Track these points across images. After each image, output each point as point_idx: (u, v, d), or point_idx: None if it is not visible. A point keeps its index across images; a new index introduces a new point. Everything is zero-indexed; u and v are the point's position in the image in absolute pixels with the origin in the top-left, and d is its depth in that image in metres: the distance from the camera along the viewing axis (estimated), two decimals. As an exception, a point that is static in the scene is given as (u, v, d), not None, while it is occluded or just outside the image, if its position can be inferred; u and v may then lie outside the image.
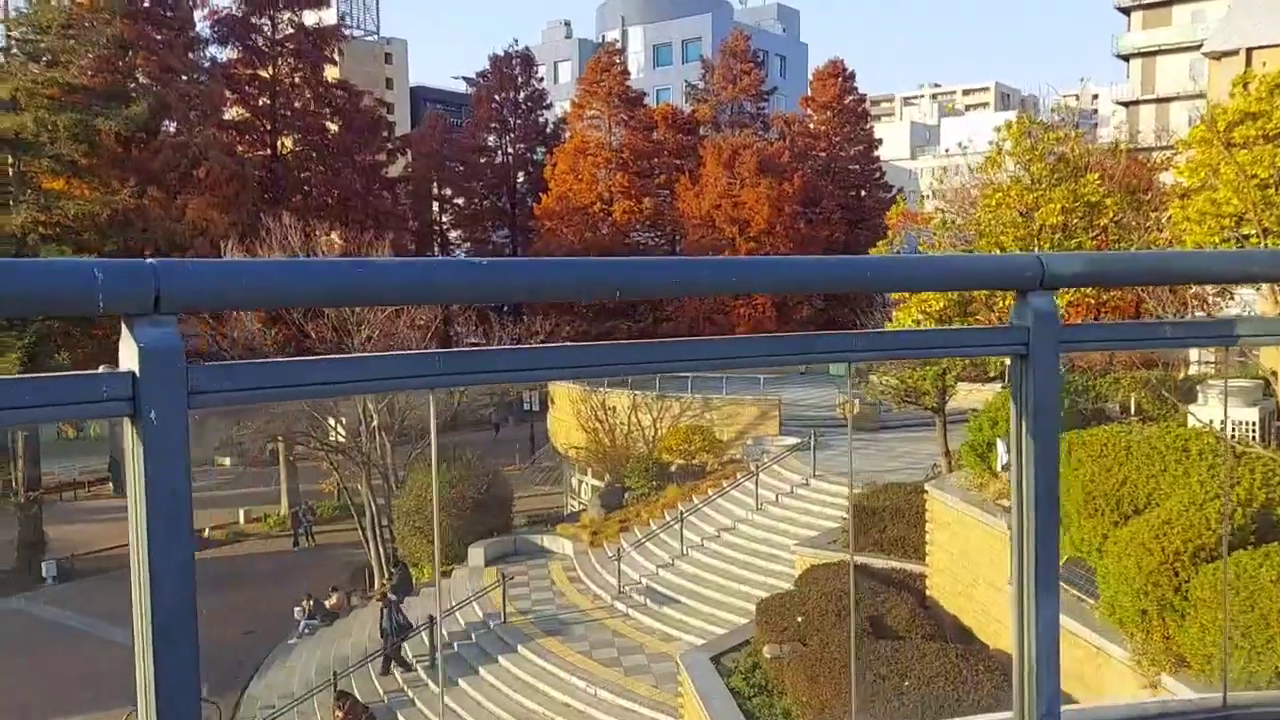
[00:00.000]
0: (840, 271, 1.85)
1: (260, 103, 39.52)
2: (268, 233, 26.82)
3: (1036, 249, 17.43)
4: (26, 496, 31.65)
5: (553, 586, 23.30)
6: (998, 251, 17.78)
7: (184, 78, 35.79)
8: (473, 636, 21.19)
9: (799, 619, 15.12)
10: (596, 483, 30.41)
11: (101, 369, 1.19)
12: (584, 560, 24.09)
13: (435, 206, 56.58)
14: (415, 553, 26.55)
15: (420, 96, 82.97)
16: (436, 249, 54.87)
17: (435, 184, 54.58)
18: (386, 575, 25.88)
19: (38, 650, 24.92)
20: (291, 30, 39.86)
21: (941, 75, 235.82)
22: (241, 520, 36.50)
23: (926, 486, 17.56)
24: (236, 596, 26.20)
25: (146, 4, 35.41)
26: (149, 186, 32.19)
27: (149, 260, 1.22)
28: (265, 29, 39.39)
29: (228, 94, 38.54)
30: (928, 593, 16.73)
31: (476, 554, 25.00)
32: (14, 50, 31.01)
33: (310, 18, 41.83)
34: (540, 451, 39.78)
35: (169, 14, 36.04)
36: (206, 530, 34.23)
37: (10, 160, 30.28)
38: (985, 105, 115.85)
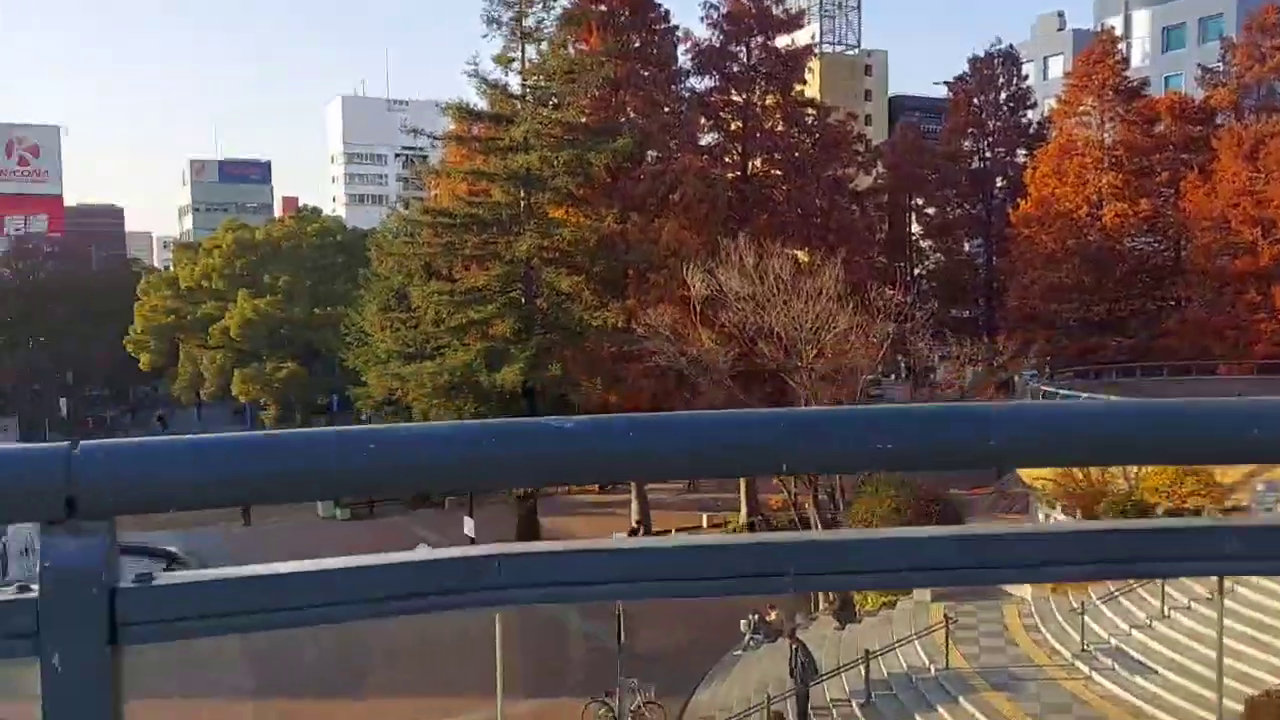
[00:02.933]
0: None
1: (733, 127, 41.47)
2: (726, 254, 27.87)
3: None
4: None
5: (1005, 633, 21.37)
6: None
7: (666, 109, 38.69)
8: (913, 680, 20.07)
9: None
10: (1065, 519, 27.51)
11: (11, 589, 0.96)
12: (1043, 607, 21.80)
13: (908, 218, 55.50)
14: (855, 579, 25.86)
15: (899, 105, 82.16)
16: (907, 262, 53.73)
17: (907, 194, 53.48)
18: (825, 602, 25.54)
19: None
20: (764, 55, 41.31)
21: None
22: (704, 523, 38.40)
23: None
24: (689, 600, 27.39)
25: (636, 44, 38.76)
26: (631, 212, 35.20)
27: (65, 445, 0.96)
28: (740, 56, 41.26)
29: (703, 120, 40.95)
30: None
31: (923, 589, 23.75)
32: (527, 96, 35.52)
33: (784, 39, 43.05)
34: (1007, 477, 37.04)
35: (655, 51, 39.18)
36: (672, 531, 36.52)
37: (521, 194, 34.77)
38: None
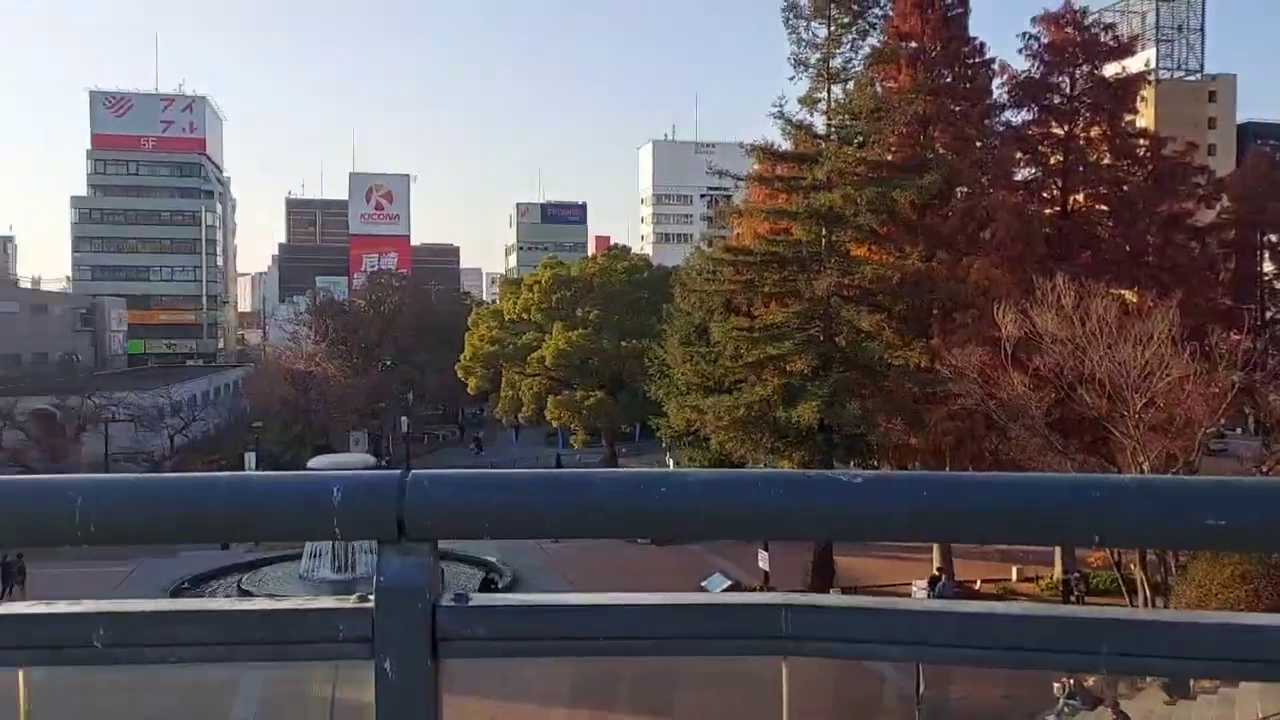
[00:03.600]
0: None
1: (1052, 160, 38.96)
2: (1041, 293, 26.19)
3: None
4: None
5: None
6: None
7: (978, 144, 37.08)
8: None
9: None
10: None
11: (353, 599, 1.09)
12: None
13: (1259, 256, 49.73)
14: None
15: (1250, 133, 74.07)
16: (1257, 304, 48.06)
17: (1257, 229, 47.91)
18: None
19: None
20: (1090, 85, 38.64)
21: None
22: (1014, 577, 36.11)
23: None
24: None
25: (948, 79, 37.57)
26: (937, 250, 33.95)
27: (396, 473, 1.09)
28: (1063, 87, 38.80)
29: (1018, 155, 38.82)
30: None
31: None
32: (831, 135, 35.38)
33: (1113, 67, 40.08)
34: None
35: (968, 85, 37.74)
36: (978, 583, 34.64)
37: (822, 232, 34.60)
38: None
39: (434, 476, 1.11)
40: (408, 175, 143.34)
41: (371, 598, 1.07)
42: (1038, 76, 38.95)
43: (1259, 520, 1.03)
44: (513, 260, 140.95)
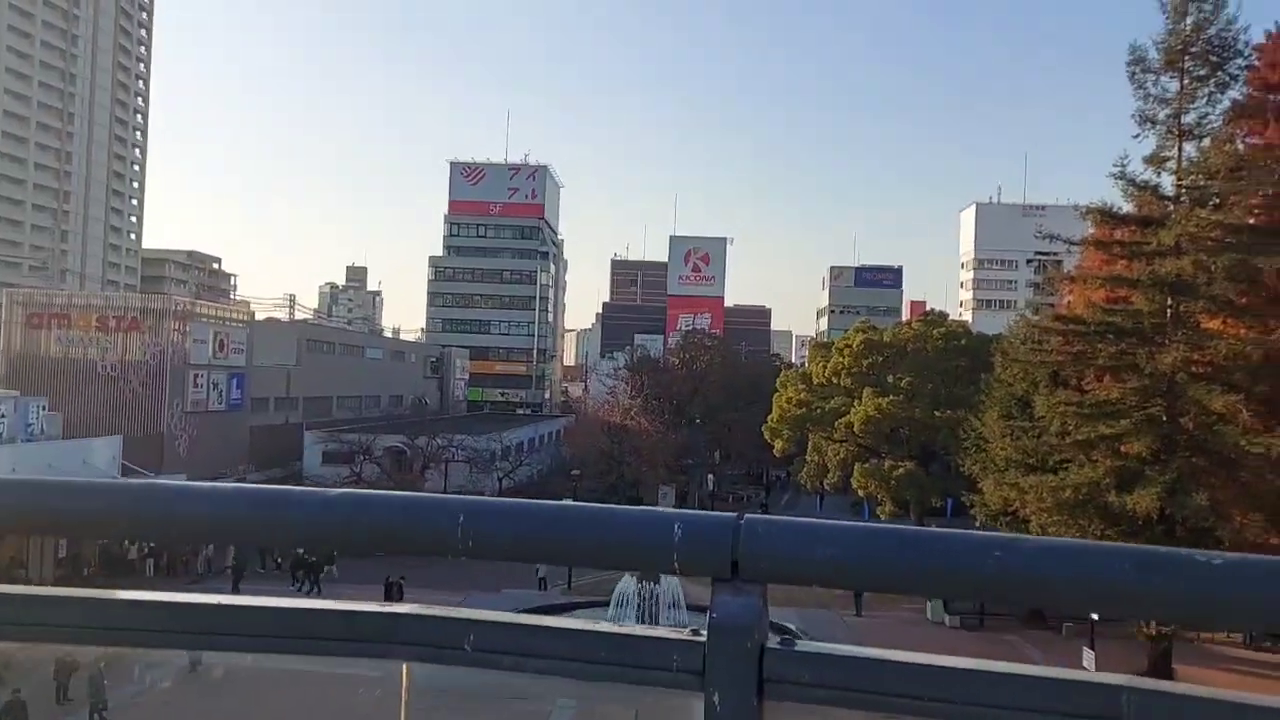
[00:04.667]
0: None
1: None
2: None
3: None
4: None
5: None
6: None
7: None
8: None
9: None
10: None
11: (687, 631, 1.16)
12: None
13: None
14: None
15: None
16: None
17: None
18: None
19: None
20: None
21: None
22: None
23: None
24: None
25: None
26: (1308, 326, 29.94)
27: (732, 515, 1.17)
28: None
29: None
30: None
31: None
32: (1181, 197, 32.35)
33: None
34: None
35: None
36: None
37: (1168, 301, 31.55)
38: None
39: (769, 521, 1.16)
40: (724, 238, 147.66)
41: (704, 633, 1.13)
42: None
43: None
44: (824, 323, 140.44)
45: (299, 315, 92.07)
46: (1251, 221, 31.64)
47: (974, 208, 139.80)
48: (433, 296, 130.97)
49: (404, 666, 1.31)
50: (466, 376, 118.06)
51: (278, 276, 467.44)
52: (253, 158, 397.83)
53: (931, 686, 1.11)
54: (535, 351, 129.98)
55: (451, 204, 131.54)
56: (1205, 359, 30.57)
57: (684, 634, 1.16)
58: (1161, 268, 31.08)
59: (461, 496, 1.28)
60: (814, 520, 1.19)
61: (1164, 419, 31.17)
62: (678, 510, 1.20)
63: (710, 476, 68.79)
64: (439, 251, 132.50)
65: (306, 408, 73.19)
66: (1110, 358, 32.16)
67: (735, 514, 1.17)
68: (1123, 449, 31.33)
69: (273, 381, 68.39)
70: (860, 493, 60.86)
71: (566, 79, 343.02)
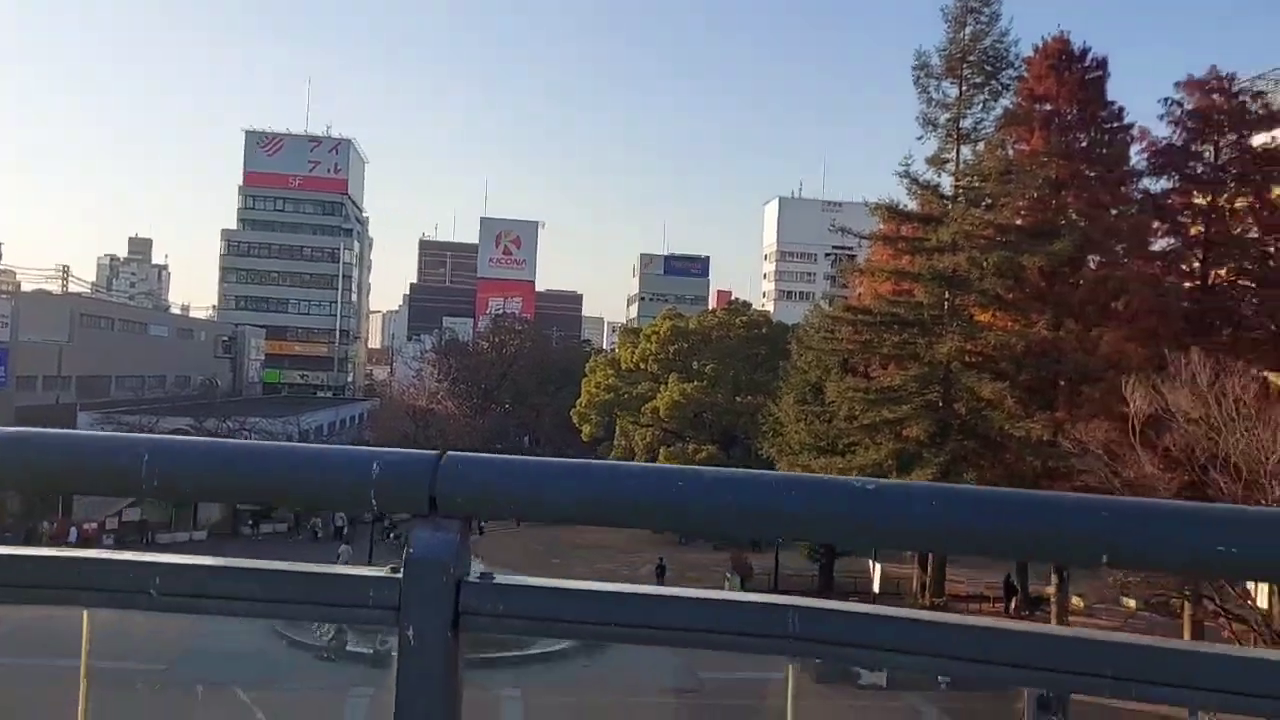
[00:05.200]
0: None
1: (1193, 231, 37.32)
2: (1175, 370, 25.00)
3: None
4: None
5: None
6: None
7: (1113, 212, 35.80)
8: None
9: None
10: None
11: (385, 569, 1.16)
12: None
13: None
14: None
15: None
16: None
17: None
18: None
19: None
20: (1237, 154, 36.98)
21: None
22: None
23: None
24: None
25: (1083, 144, 36.56)
26: (1065, 319, 32.84)
27: (433, 453, 1.17)
28: (1206, 155, 37.26)
29: (1155, 224, 37.32)
30: None
31: None
32: (959, 197, 34.78)
33: (1262, 137, 38.31)
34: None
35: (1104, 151, 36.61)
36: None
37: (945, 295, 33.91)
38: None
39: (469, 458, 1.18)
40: (536, 222, 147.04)
41: (402, 569, 1.14)
42: (1180, 144, 37.52)
43: (1270, 550, 1.02)
44: (634, 310, 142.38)
45: (74, 288, 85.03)
46: (1019, 222, 34.42)
47: (777, 201, 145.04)
48: (225, 272, 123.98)
49: (84, 614, 1.25)
50: (262, 357, 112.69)
51: (58, 250, 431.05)
52: (29, 125, 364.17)
53: (623, 613, 1.16)
54: (338, 332, 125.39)
55: (247, 175, 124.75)
56: (977, 349, 33.03)
57: (383, 571, 1.17)
58: (939, 263, 33.35)
59: (149, 435, 1.22)
60: (513, 458, 1.21)
61: (940, 405, 33.48)
62: (379, 449, 1.19)
63: (517, 460, 68.34)
64: (233, 225, 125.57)
65: (80, 387, 67.98)
66: (894, 346, 34.28)
67: (437, 451, 1.17)
68: (904, 433, 33.46)
69: (41, 359, 63.05)
70: (664, 475, 62.05)
71: (374, 49, 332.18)
